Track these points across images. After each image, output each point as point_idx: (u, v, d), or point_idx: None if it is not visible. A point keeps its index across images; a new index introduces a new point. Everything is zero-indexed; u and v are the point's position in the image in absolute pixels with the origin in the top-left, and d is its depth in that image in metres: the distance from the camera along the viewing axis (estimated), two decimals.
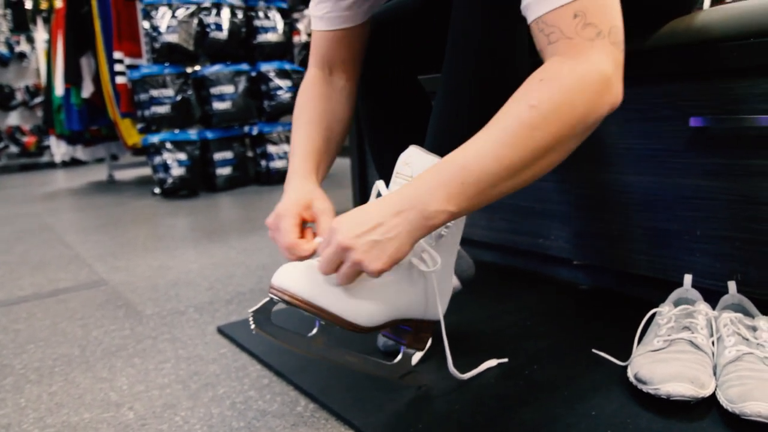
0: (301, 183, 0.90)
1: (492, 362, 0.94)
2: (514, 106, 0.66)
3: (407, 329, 0.85)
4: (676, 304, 0.95)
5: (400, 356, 0.85)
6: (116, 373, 1.03)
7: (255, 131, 3.41)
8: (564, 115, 0.64)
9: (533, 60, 0.85)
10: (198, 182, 3.22)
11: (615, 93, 0.66)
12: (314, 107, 0.98)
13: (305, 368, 0.97)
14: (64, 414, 0.89)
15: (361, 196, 1.96)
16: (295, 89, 3.47)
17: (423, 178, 0.69)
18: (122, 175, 4.54)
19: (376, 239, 0.68)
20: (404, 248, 0.69)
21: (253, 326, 0.75)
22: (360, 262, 0.68)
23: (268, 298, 0.76)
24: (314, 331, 0.78)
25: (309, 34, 5.03)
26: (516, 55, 0.81)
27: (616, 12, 0.66)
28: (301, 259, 0.82)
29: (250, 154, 3.48)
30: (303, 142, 0.95)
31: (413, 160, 0.79)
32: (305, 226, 0.88)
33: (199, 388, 0.95)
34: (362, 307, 0.75)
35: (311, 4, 0.99)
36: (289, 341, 0.77)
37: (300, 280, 0.73)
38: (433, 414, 0.81)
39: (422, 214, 0.67)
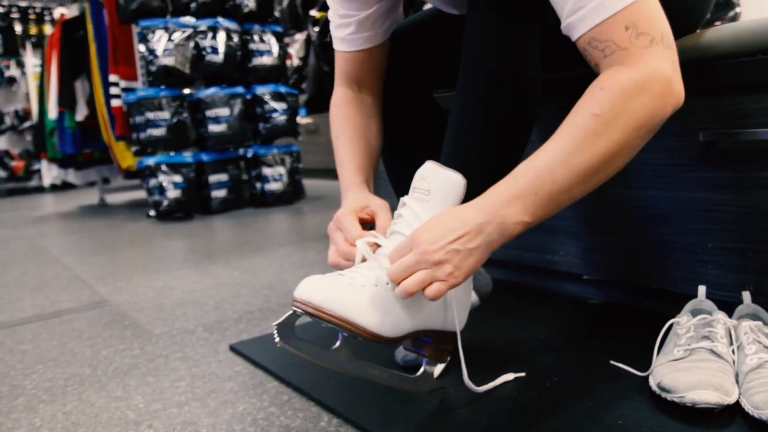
0: (356, 192, 0.93)
1: (509, 376, 0.94)
2: (579, 116, 0.69)
3: (428, 341, 0.85)
4: (693, 314, 0.96)
5: (422, 369, 0.85)
6: (131, 392, 1.01)
7: (250, 153, 3.42)
8: (627, 120, 0.67)
9: (546, 78, 0.87)
10: (193, 204, 3.21)
11: (677, 93, 0.70)
12: (354, 126, 1.00)
13: (324, 383, 0.96)
14: None
15: None
16: (290, 112, 3.49)
17: (498, 190, 0.72)
18: (113, 198, 4.51)
19: (458, 249, 0.71)
20: (482, 259, 0.72)
21: (277, 339, 0.75)
22: (442, 272, 0.71)
23: (291, 311, 0.76)
24: (337, 344, 0.78)
25: (301, 59, 5.05)
26: (529, 73, 0.83)
27: (663, 17, 0.70)
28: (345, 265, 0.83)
29: (245, 176, 3.48)
30: (350, 159, 0.98)
31: (430, 175, 0.80)
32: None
33: (218, 406, 0.94)
34: (385, 318, 0.76)
35: (332, 26, 1.01)
36: (312, 354, 0.77)
37: (323, 292, 0.73)
38: (459, 426, 0.81)
39: (501, 226, 0.71)
